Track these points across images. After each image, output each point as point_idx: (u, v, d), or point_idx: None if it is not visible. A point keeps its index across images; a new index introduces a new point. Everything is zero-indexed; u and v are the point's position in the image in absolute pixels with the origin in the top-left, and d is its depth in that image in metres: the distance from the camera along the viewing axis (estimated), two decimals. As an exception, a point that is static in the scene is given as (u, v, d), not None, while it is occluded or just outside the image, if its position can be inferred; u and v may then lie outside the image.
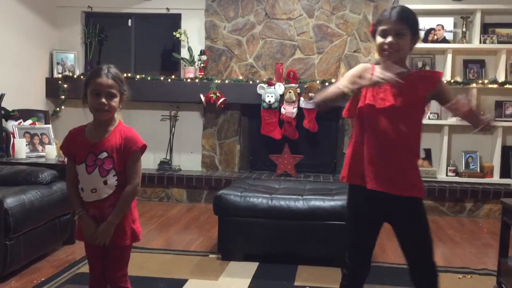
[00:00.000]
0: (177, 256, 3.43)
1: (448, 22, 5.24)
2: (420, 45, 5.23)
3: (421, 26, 5.20)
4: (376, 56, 5.29)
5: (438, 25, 5.22)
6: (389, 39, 1.82)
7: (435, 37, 5.22)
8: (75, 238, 2.06)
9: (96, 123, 1.97)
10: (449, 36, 5.23)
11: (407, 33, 1.83)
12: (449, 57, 5.17)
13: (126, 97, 1.98)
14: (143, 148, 1.97)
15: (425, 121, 5.17)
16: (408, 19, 1.85)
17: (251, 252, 3.36)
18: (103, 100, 1.89)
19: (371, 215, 1.95)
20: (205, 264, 3.28)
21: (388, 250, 3.59)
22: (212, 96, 5.30)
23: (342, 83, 1.85)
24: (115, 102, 1.92)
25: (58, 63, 5.69)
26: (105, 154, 1.91)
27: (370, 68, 1.92)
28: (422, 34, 5.25)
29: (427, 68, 5.34)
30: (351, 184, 1.97)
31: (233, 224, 3.33)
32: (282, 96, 5.24)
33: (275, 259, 3.30)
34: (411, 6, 5.50)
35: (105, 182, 1.91)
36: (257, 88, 5.27)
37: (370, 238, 1.99)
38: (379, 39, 1.86)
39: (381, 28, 1.85)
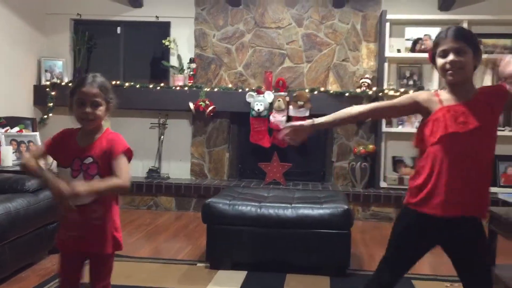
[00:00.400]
0: (164, 265, 3.40)
1: (435, 32, 5.25)
2: (407, 54, 5.30)
3: (408, 36, 5.29)
4: (364, 65, 5.35)
5: (425, 35, 5.27)
6: (451, 57, 1.77)
7: (423, 47, 5.27)
8: (56, 245, 2.02)
9: (84, 131, 1.97)
10: (436, 46, 5.28)
11: (468, 50, 1.78)
12: (437, 66, 5.21)
13: (113, 106, 1.98)
14: (128, 151, 1.94)
15: (412, 129, 5.24)
16: (466, 36, 1.79)
17: (240, 261, 3.35)
18: (88, 109, 1.88)
19: (428, 243, 1.90)
20: (193, 273, 3.26)
21: (377, 258, 3.59)
22: (201, 104, 5.30)
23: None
24: (100, 111, 1.91)
25: (46, 70, 5.66)
26: (90, 160, 1.91)
27: (433, 94, 1.87)
28: (409, 44, 5.31)
29: (415, 77, 5.39)
30: (416, 213, 1.86)
31: (221, 232, 3.32)
32: (271, 104, 5.26)
33: (264, 268, 3.29)
34: (398, 17, 5.58)
35: None
36: (246, 96, 5.27)
37: (412, 265, 1.95)
38: (440, 61, 1.80)
39: (440, 49, 1.80)
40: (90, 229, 1.93)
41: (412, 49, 5.30)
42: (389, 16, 5.22)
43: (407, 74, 5.42)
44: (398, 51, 5.33)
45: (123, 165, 1.92)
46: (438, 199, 1.79)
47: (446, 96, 1.84)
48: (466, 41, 1.78)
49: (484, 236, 1.88)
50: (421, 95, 1.90)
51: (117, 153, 1.92)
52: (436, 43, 1.83)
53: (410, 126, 5.31)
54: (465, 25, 5.17)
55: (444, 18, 5.28)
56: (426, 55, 5.11)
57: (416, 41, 5.30)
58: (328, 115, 1.96)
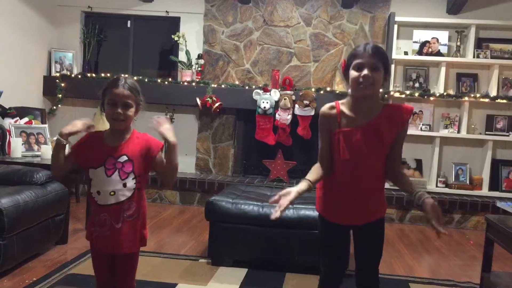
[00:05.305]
0: (167, 259, 3.48)
1: (443, 36, 5.32)
2: (414, 57, 5.32)
3: (416, 39, 5.33)
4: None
5: (433, 38, 5.30)
6: (365, 72, 1.83)
7: (430, 49, 5.30)
8: (86, 238, 2.05)
9: (113, 131, 2.01)
10: (444, 49, 5.31)
11: (381, 68, 1.85)
12: (443, 69, 5.25)
13: (141, 107, 2.03)
14: (162, 147, 2.05)
15: (417, 132, 5.28)
16: (382, 55, 1.87)
17: (241, 258, 3.42)
18: (119, 110, 1.93)
19: (344, 235, 2.06)
20: (195, 268, 3.33)
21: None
22: (208, 100, 5.36)
23: None
24: (131, 112, 1.97)
25: (56, 62, 5.73)
26: (124, 158, 1.95)
27: (334, 108, 1.95)
28: (417, 46, 5.34)
29: (421, 80, 5.41)
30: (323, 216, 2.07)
31: (224, 230, 3.39)
32: (277, 102, 5.31)
33: (264, 266, 3.36)
34: (406, 19, 5.59)
35: (125, 185, 1.94)
36: (253, 94, 5.32)
37: (345, 255, 2.11)
38: (353, 73, 1.86)
39: (356, 62, 1.85)
40: (121, 229, 1.96)
41: (419, 52, 5.32)
42: (397, 18, 5.24)
43: (414, 76, 5.44)
44: (405, 53, 5.35)
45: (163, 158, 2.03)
46: (333, 212, 2.01)
47: (346, 113, 1.93)
48: (381, 59, 1.86)
49: (380, 233, 2.05)
50: (323, 119, 1.96)
51: (157, 152, 2.01)
52: (353, 55, 1.89)
53: (415, 128, 5.35)
54: (473, 30, 5.20)
55: (452, 21, 5.29)
56: (433, 57, 5.23)
57: (423, 44, 5.32)
58: (306, 181, 1.95)
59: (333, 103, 1.97)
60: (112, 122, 1.96)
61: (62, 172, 2.03)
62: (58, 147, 1.96)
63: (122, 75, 2.02)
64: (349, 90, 1.91)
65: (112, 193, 1.94)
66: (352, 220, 1.99)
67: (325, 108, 1.97)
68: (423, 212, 1.84)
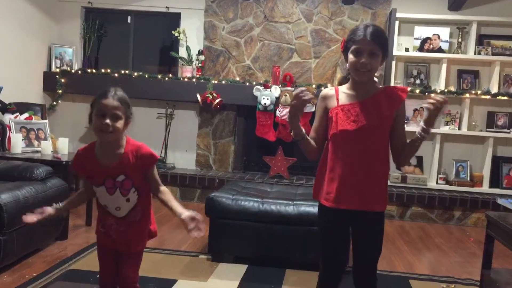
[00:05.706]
0: (167, 255, 3.48)
1: (444, 32, 5.30)
2: (415, 53, 5.30)
3: (417, 35, 5.32)
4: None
5: (434, 34, 5.28)
6: (363, 59, 1.85)
7: (431, 46, 5.28)
8: (96, 232, 2.10)
9: (104, 146, 1.96)
10: (445, 46, 5.29)
11: (379, 53, 1.88)
12: (444, 66, 5.23)
13: (131, 121, 1.97)
14: (156, 160, 2.03)
15: (418, 128, 5.25)
16: (381, 39, 1.87)
17: (241, 254, 3.42)
18: (107, 121, 1.87)
19: (343, 230, 2.03)
20: (195, 264, 3.33)
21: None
22: (208, 96, 5.35)
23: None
24: (120, 124, 1.89)
25: (56, 57, 5.72)
26: (122, 177, 1.94)
27: (332, 89, 1.99)
28: (418, 43, 5.32)
29: (422, 76, 5.40)
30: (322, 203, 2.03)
31: (224, 226, 3.38)
32: (277, 99, 5.29)
33: (265, 262, 3.36)
34: (407, 15, 5.56)
35: (128, 200, 1.97)
36: (254, 90, 5.31)
37: (344, 251, 2.08)
38: (352, 58, 1.88)
39: (355, 47, 1.87)
40: (126, 232, 2.00)
41: (421, 48, 5.30)
42: (398, 15, 5.22)
43: (414, 73, 5.43)
44: (406, 49, 5.34)
45: (156, 174, 2.03)
46: (332, 193, 1.94)
47: (345, 92, 1.97)
48: (380, 44, 1.87)
49: (378, 230, 2.01)
50: (321, 97, 2.01)
51: (150, 168, 2.00)
52: (353, 40, 1.89)
53: (416, 125, 5.34)
54: (474, 26, 5.18)
55: (453, 18, 5.27)
56: (434, 54, 5.20)
57: (424, 40, 5.30)
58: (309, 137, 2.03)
59: (331, 86, 2.05)
60: (100, 134, 1.90)
61: (93, 196, 2.05)
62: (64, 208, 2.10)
63: (113, 87, 1.96)
64: (347, 65, 1.94)
65: (117, 208, 1.98)
66: (353, 201, 1.92)
67: (324, 90, 2.04)
68: (429, 121, 1.90)
